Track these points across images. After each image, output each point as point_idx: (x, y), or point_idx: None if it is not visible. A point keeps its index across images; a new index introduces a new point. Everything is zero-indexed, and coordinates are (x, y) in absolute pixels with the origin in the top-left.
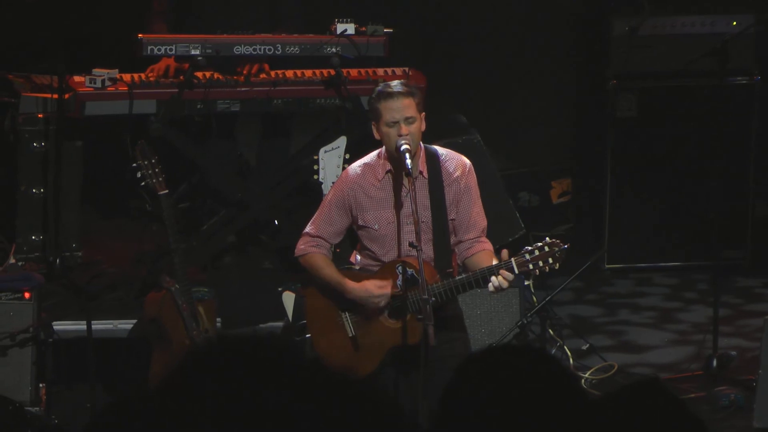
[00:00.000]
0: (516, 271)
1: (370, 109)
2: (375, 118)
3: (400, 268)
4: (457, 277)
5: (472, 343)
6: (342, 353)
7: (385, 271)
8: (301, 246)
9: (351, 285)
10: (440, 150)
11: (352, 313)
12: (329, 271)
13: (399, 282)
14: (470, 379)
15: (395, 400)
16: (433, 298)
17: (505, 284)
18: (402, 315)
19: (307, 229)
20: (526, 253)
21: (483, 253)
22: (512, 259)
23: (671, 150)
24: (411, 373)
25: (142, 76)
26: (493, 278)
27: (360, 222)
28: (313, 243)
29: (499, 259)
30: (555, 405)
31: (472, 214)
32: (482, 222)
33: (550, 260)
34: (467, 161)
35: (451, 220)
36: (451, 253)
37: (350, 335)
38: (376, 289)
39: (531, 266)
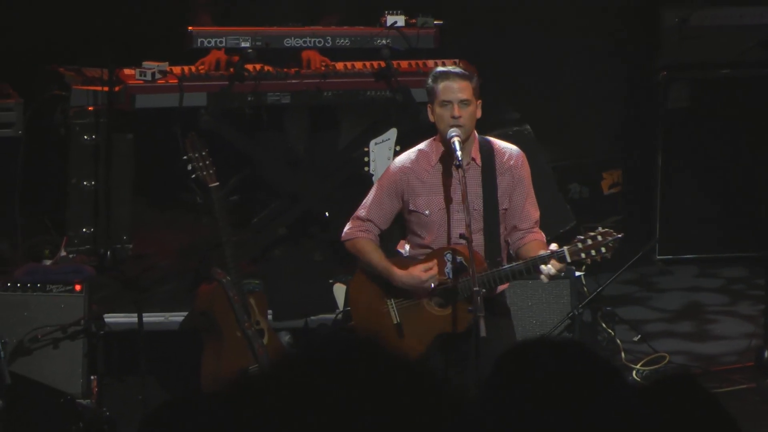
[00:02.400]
0: (568, 260)
1: (426, 90)
2: (430, 99)
3: (449, 255)
4: (508, 265)
5: (523, 334)
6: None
7: (432, 257)
8: (349, 230)
9: (398, 272)
10: (494, 140)
11: (398, 301)
12: (376, 256)
13: (447, 269)
14: (507, 374)
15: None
16: (484, 289)
17: (553, 271)
18: (449, 303)
19: (358, 212)
20: (578, 242)
21: (535, 243)
22: (564, 248)
23: (722, 140)
24: (459, 362)
25: (192, 68)
26: (543, 266)
27: (411, 207)
28: (363, 227)
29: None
30: (592, 399)
31: (525, 205)
32: (535, 213)
33: (603, 250)
34: (521, 152)
35: (503, 209)
36: (501, 242)
37: (395, 322)
38: (423, 273)
39: (583, 255)
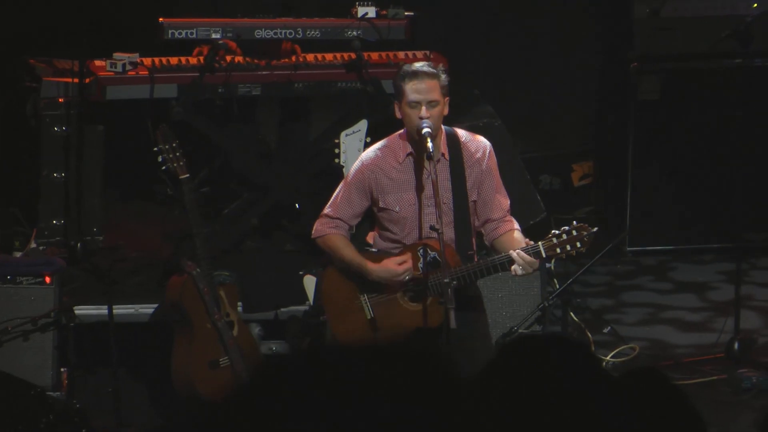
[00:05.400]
0: (544, 255)
1: (394, 87)
2: (398, 98)
3: (421, 250)
4: (482, 261)
5: (493, 326)
6: (360, 335)
7: (406, 252)
8: (319, 227)
9: (372, 266)
10: (461, 132)
11: (371, 296)
12: (349, 252)
13: (420, 264)
14: (504, 368)
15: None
16: (455, 282)
17: (529, 270)
18: (422, 298)
19: (326, 210)
20: (553, 236)
21: (510, 233)
22: (540, 242)
23: (694, 132)
24: None
25: (163, 60)
26: (516, 266)
27: (381, 204)
28: (332, 224)
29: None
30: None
31: (495, 195)
32: (505, 202)
33: (578, 244)
34: (488, 143)
35: (473, 201)
36: (472, 235)
37: (368, 317)
38: (397, 266)
39: (558, 250)
